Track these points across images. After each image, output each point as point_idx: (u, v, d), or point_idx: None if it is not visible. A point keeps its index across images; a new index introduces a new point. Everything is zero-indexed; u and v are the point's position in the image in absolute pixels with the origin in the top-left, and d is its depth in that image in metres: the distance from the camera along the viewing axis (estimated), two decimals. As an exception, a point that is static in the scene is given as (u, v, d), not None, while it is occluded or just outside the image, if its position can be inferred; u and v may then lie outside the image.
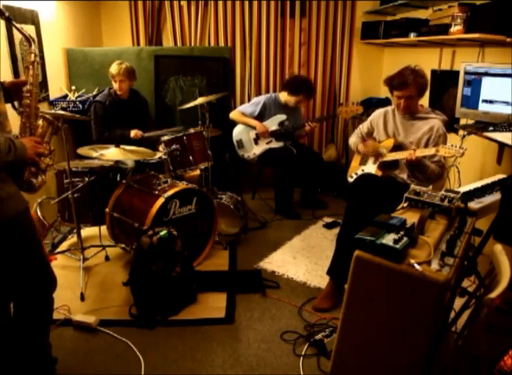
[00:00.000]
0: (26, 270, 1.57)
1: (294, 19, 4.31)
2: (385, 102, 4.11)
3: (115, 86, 3.31)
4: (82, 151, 2.67)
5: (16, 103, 1.65)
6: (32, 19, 3.14)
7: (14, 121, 1.60)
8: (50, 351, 1.81)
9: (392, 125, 2.75)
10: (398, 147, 2.66)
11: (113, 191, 2.86)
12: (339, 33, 4.38)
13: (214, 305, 2.43)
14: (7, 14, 1.54)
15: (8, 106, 1.61)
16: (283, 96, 3.78)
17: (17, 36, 2.92)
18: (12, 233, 1.49)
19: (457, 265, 1.29)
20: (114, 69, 3.26)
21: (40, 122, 1.66)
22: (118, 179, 3.01)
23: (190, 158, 2.97)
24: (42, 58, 3.28)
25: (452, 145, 2.37)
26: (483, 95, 2.66)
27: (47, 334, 1.77)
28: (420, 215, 1.48)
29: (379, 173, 2.74)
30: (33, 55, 1.61)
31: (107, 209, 2.81)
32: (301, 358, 2.04)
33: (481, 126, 2.57)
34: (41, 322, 1.71)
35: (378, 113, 2.86)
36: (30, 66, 1.60)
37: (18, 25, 1.58)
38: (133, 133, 3.28)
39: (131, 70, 3.32)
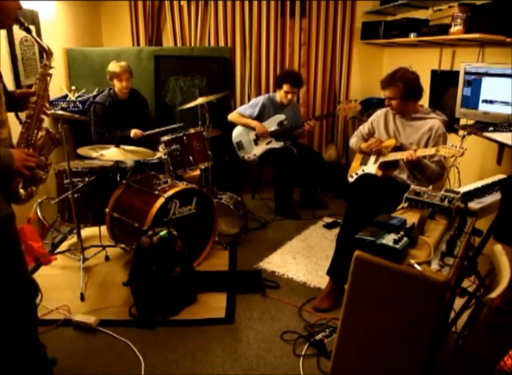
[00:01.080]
0: None
1: (294, 19, 4.31)
2: (385, 102, 4.11)
3: (120, 85, 3.28)
4: (82, 151, 2.67)
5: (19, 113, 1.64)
6: (32, 19, 3.14)
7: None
8: (45, 352, 1.79)
9: (392, 125, 2.75)
10: (399, 148, 2.67)
11: (113, 191, 2.86)
12: (339, 34, 4.38)
13: (214, 305, 2.43)
14: (26, 24, 1.55)
15: (12, 115, 1.59)
16: (277, 95, 3.79)
17: (17, 36, 2.92)
18: None
19: (457, 265, 1.29)
20: (116, 67, 3.24)
21: (42, 134, 1.63)
22: (118, 179, 3.01)
23: (190, 158, 2.97)
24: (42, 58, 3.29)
25: (452, 145, 2.36)
26: (483, 95, 2.66)
27: (34, 337, 1.73)
28: (420, 215, 1.48)
29: (379, 173, 2.74)
30: (47, 68, 1.61)
31: (107, 209, 2.81)
32: (301, 358, 2.04)
33: (481, 127, 2.57)
34: (23, 326, 1.65)
35: (379, 114, 2.86)
36: (42, 79, 1.60)
37: (35, 35, 1.60)
38: (133, 132, 3.28)
39: (130, 68, 3.34)
